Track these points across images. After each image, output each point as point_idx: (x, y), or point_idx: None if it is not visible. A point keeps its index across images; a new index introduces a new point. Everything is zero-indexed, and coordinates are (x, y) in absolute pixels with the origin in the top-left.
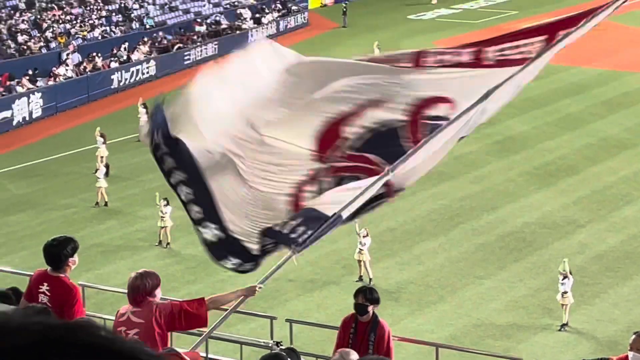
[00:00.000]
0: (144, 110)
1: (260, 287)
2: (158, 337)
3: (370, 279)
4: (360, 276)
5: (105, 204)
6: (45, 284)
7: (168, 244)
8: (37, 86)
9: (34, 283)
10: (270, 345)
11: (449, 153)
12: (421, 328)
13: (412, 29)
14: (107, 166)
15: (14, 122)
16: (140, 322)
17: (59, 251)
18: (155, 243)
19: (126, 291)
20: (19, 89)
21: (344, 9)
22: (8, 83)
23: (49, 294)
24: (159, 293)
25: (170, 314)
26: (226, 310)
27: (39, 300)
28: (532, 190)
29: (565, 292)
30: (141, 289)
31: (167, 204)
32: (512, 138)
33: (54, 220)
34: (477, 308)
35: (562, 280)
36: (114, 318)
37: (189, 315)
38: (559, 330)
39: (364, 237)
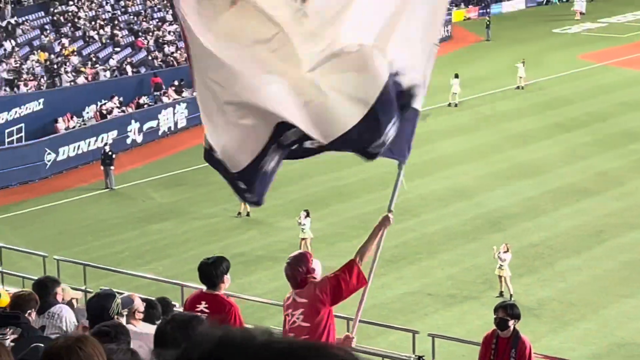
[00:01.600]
0: None
1: (392, 213)
2: (322, 313)
3: (510, 295)
4: (501, 292)
5: (248, 215)
6: (203, 302)
7: None
8: (183, 97)
9: (190, 304)
10: (412, 359)
11: (591, 168)
12: (563, 346)
13: (557, 43)
14: None
15: (160, 132)
16: (304, 301)
17: (214, 269)
18: None
19: (267, 301)
20: (165, 100)
21: (488, 22)
22: (155, 93)
23: (207, 311)
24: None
25: (331, 287)
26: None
27: None
28: None
29: None
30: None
31: (307, 215)
32: None
33: (197, 229)
34: (621, 327)
35: None
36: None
37: (347, 279)
38: None
39: (504, 252)
